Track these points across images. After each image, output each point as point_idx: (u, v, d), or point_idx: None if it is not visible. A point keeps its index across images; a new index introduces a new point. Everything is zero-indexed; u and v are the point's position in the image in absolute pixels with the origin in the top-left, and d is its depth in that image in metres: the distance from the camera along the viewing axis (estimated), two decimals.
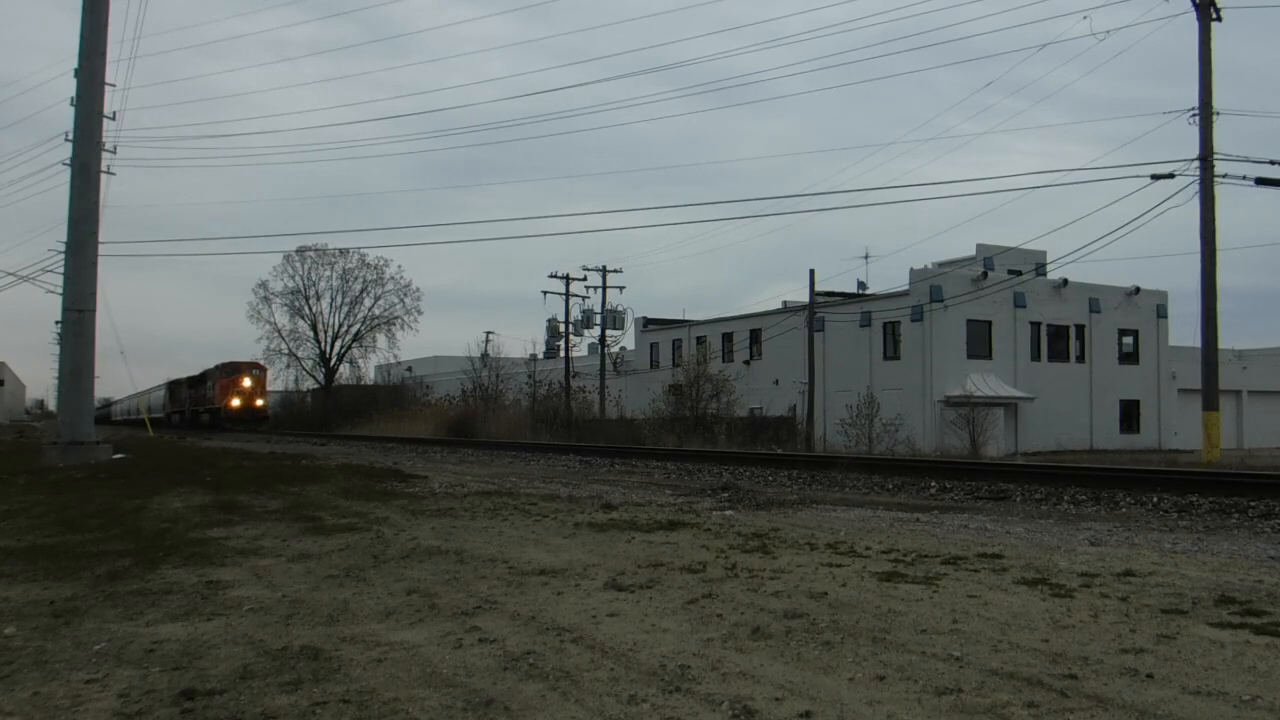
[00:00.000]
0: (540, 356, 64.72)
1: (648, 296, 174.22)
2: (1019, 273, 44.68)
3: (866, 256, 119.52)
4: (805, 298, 45.79)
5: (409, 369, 77.02)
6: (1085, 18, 77.32)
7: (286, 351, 73.02)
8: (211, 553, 7.43)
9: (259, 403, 59.46)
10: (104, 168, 23.54)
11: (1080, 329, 48.37)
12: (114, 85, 27.78)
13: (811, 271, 45.93)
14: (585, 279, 57.44)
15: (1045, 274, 46.16)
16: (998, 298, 44.54)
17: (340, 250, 70.47)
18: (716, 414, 41.93)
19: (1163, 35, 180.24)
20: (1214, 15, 24.71)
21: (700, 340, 55.82)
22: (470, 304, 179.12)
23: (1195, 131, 24.42)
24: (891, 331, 46.39)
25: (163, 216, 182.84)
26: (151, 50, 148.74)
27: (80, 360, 21.14)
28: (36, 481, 15.05)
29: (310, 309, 72.68)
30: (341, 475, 15.53)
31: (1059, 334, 47.94)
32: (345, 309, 72.74)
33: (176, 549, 7.59)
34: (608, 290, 57.58)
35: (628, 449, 26.64)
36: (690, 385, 44.05)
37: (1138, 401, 49.84)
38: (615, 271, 57.80)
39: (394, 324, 72.44)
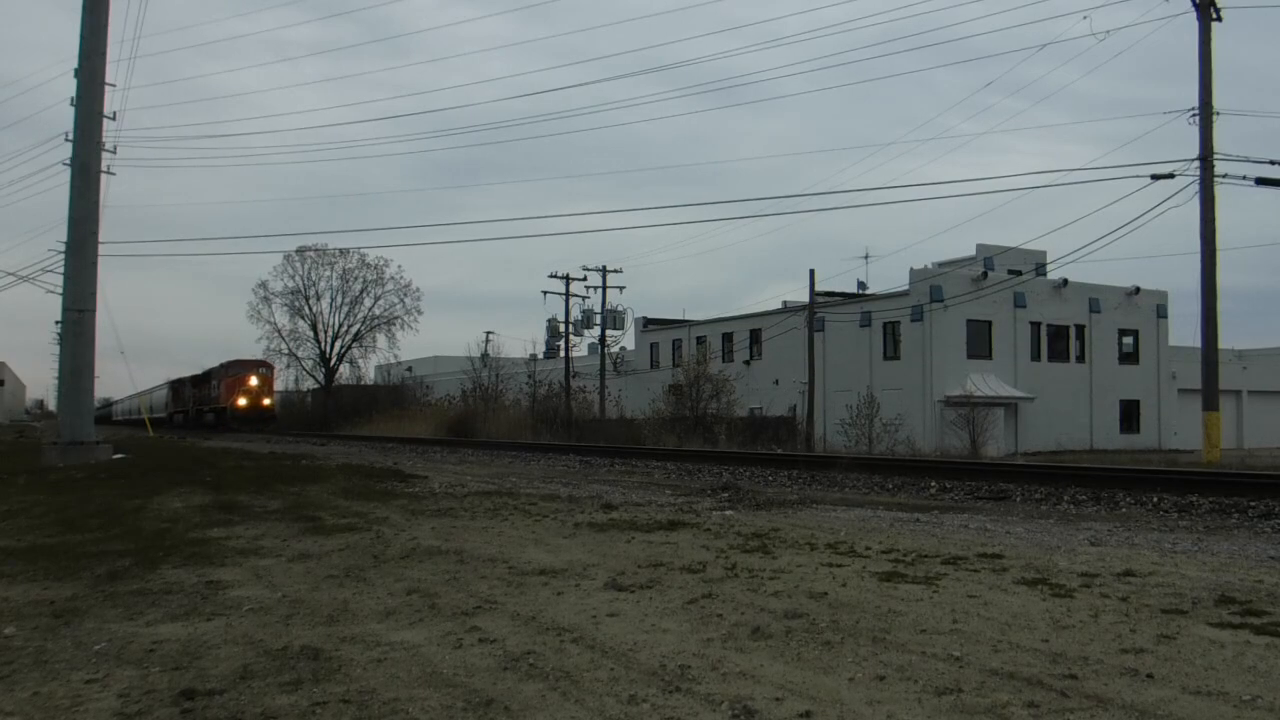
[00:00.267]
0: (540, 356, 64.72)
1: (648, 296, 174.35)
2: (1019, 273, 44.69)
3: (866, 256, 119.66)
4: (805, 298, 45.80)
5: (409, 369, 77.04)
6: (1085, 18, 77.41)
7: (286, 351, 73.08)
8: (211, 553, 7.43)
9: (266, 402, 58.01)
10: (104, 168, 23.54)
11: (1080, 329, 48.38)
12: (114, 85, 27.80)
13: (811, 271, 46.02)
14: (585, 279, 57.48)
15: (1045, 274, 46.16)
16: (998, 298, 44.55)
17: (340, 250, 70.56)
18: (716, 414, 41.93)
19: (1163, 35, 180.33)
20: (1214, 15, 24.72)
21: (700, 340, 55.84)
22: (470, 304, 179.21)
23: (1195, 131, 24.43)
24: (891, 331, 46.39)
25: (163, 216, 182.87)
26: (151, 50, 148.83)
27: (80, 360, 21.14)
28: (36, 481, 15.05)
29: (310, 309, 72.78)
30: (341, 475, 15.53)
31: (1059, 334, 47.95)
32: (345, 309, 72.84)
33: (176, 549, 7.59)
34: (608, 290, 57.62)
35: (628, 449, 26.64)
36: (690, 385, 44.05)
37: (1138, 401, 49.85)
38: (615, 271, 57.85)
39: (394, 324, 72.55)
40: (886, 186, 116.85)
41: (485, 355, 61.25)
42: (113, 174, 29.18)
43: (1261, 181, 24.66)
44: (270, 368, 62.84)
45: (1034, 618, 4.91)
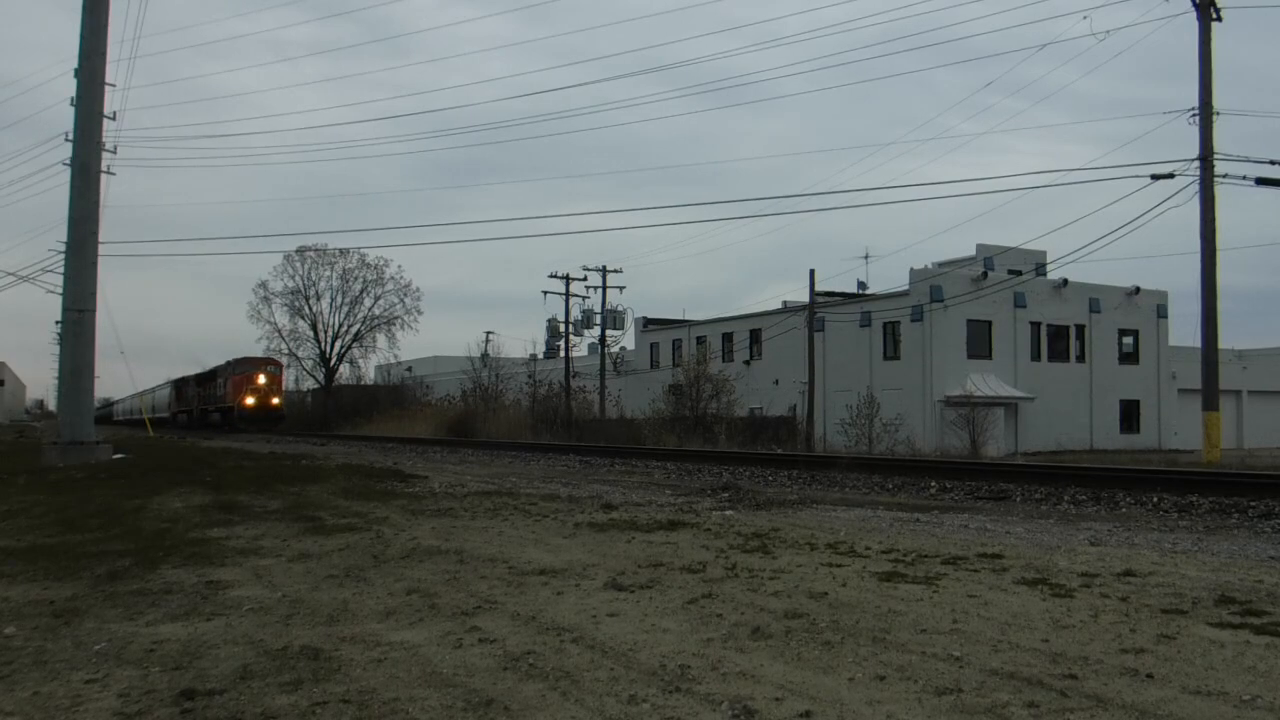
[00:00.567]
0: (540, 356, 64.73)
1: (648, 296, 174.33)
2: (1019, 273, 44.69)
3: (866, 256, 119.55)
4: (805, 298, 45.79)
5: (409, 369, 77.05)
6: (1085, 18, 77.45)
7: (287, 351, 72.97)
8: (211, 553, 7.43)
9: (275, 401, 56.09)
10: (104, 168, 23.54)
11: (1080, 329, 48.38)
12: (114, 85, 27.82)
13: (811, 271, 45.95)
14: (585, 279, 57.49)
15: (1045, 274, 46.17)
16: (998, 298, 44.55)
17: (340, 250, 70.55)
18: (716, 414, 41.94)
19: (1163, 35, 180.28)
20: (1214, 15, 24.71)
21: (700, 340, 55.84)
22: (470, 304, 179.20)
23: (1195, 131, 24.43)
24: (891, 331, 46.40)
25: (163, 216, 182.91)
26: (151, 50, 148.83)
27: (80, 360, 21.14)
28: (36, 481, 15.04)
29: (310, 309, 72.76)
30: (341, 475, 15.53)
31: (1059, 334, 47.95)
32: (345, 309, 72.83)
33: (176, 549, 7.58)
34: (608, 290, 57.63)
35: (628, 449, 26.64)
36: (690, 385, 44.07)
37: (1138, 401, 49.85)
38: (615, 271, 57.85)
39: (394, 324, 72.54)
40: (886, 186, 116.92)
41: (485, 355, 61.27)
42: (113, 174, 29.22)
43: (1261, 181, 24.66)
44: (279, 366, 61.36)
45: (1034, 618, 4.91)
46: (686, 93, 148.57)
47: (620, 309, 58.50)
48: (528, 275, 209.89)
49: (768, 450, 28.37)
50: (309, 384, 76.13)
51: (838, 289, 52.20)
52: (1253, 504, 10.67)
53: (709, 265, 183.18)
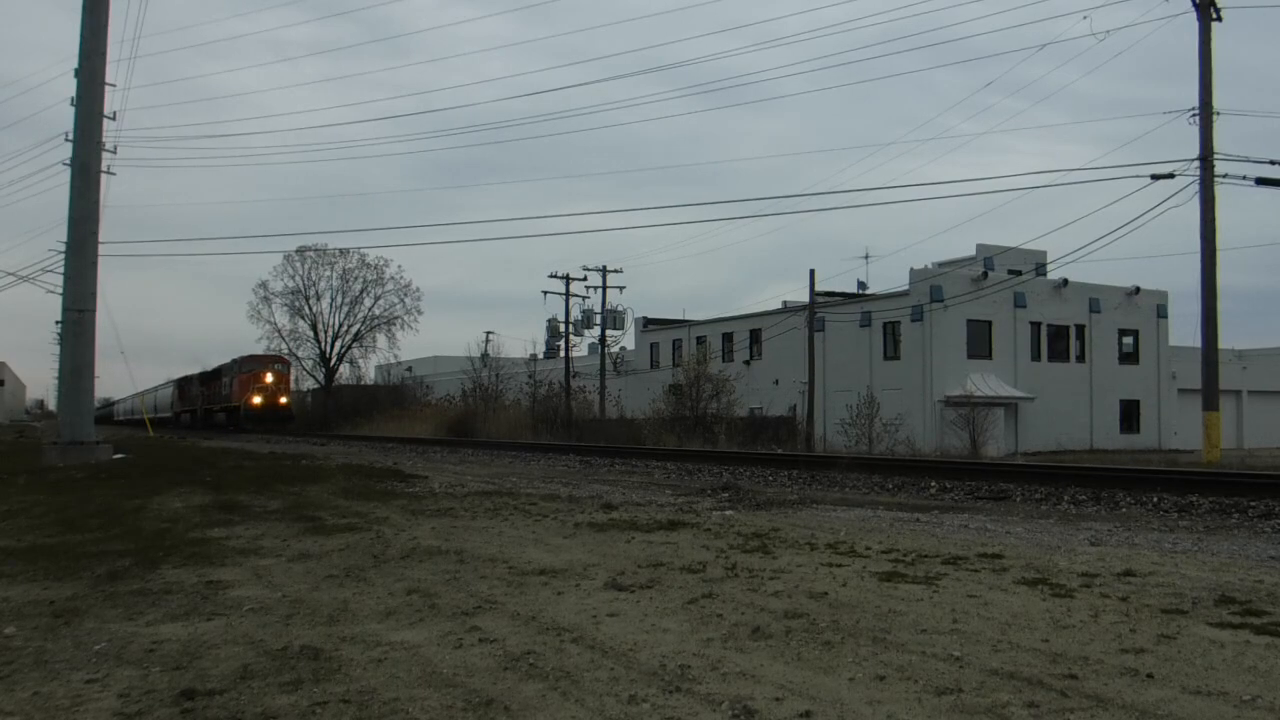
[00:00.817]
0: (540, 356, 64.71)
1: (648, 296, 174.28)
2: (1019, 273, 44.69)
3: (866, 256, 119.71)
4: (805, 298, 45.79)
5: (409, 369, 77.03)
6: (1085, 18, 77.47)
7: (287, 351, 72.96)
8: (212, 553, 7.43)
9: (283, 400, 54.31)
10: (104, 168, 23.54)
11: (1080, 329, 48.38)
12: (114, 85, 27.82)
13: (811, 271, 45.95)
14: (585, 279, 57.48)
15: (1045, 274, 46.16)
16: (998, 298, 44.55)
17: (340, 250, 70.51)
18: (716, 414, 41.93)
19: (1163, 35, 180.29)
20: (1214, 15, 24.72)
21: (700, 340, 55.82)
22: (470, 304, 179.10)
23: (1195, 131, 24.43)
24: (891, 331, 46.40)
25: (163, 216, 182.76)
26: (151, 50, 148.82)
27: (80, 360, 21.14)
28: (36, 481, 15.05)
29: (310, 309, 72.72)
30: (341, 475, 15.53)
31: (1059, 334, 47.95)
32: (345, 309, 72.80)
33: (176, 549, 7.59)
34: (608, 290, 57.62)
35: (628, 449, 26.64)
36: (690, 385, 44.05)
37: (1138, 401, 49.85)
38: (615, 271, 57.84)
39: (394, 324, 72.51)
40: (886, 186, 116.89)
41: (485, 355, 61.24)
42: (113, 174, 29.21)
43: (1261, 181, 24.66)
44: (286, 364, 60.07)
45: (1034, 618, 4.91)
46: (686, 93, 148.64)
47: (620, 309, 58.53)
48: (528, 275, 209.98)
49: (768, 450, 28.37)
50: (309, 384, 76.15)
51: (838, 289, 52.22)
52: (1253, 504, 10.67)
53: (709, 265, 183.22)
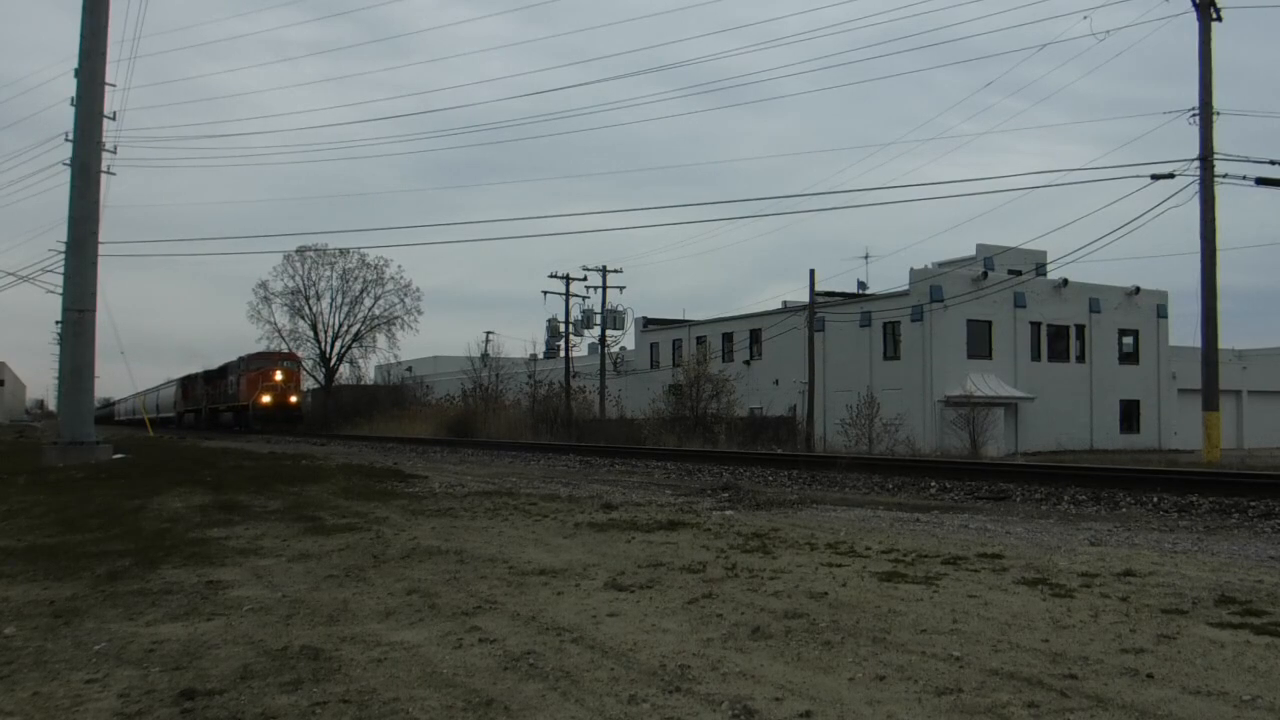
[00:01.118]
0: (540, 356, 64.69)
1: (648, 296, 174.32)
2: (1019, 273, 44.68)
3: (866, 256, 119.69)
4: (805, 298, 45.78)
5: (409, 369, 77.01)
6: (1085, 18, 77.51)
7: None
8: (211, 553, 7.43)
9: (293, 399, 52.40)
10: (104, 168, 23.55)
11: (1080, 329, 48.37)
12: (114, 85, 27.83)
13: (811, 271, 45.92)
14: (585, 279, 57.48)
15: (1045, 274, 46.16)
16: (998, 298, 44.55)
17: (340, 250, 70.46)
18: (716, 414, 41.93)
19: (1163, 35, 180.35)
20: (1214, 15, 24.72)
21: (700, 340, 55.83)
22: (470, 304, 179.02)
23: (1195, 131, 24.44)
24: (891, 331, 46.39)
25: (163, 216, 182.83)
26: (151, 50, 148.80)
27: (80, 360, 21.14)
28: (36, 481, 15.04)
29: (310, 309, 72.69)
30: (341, 475, 15.53)
31: (1059, 334, 47.94)
32: (345, 309, 72.76)
33: (176, 549, 7.59)
34: (608, 290, 57.63)
35: (628, 449, 26.64)
36: (690, 385, 44.05)
37: (1138, 401, 49.85)
38: (615, 271, 57.84)
39: (394, 324, 72.48)
40: (886, 186, 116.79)
41: (485, 355, 61.19)
42: (113, 174, 29.22)
43: (1261, 181, 24.67)
44: (297, 361, 58.63)
45: (1034, 618, 4.91)
46: (686, 93, 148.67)
47: (620, 309, 58.54)
48: (528, 275, 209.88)
49: (768, 450, 28.37)
50: (309, 384, 76.08)
51: (838, 289, 52.21)
52: (1253, 504, 10.67)
53: (709, 265, 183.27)
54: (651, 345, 62.33)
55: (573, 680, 3.91)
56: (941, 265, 47.76)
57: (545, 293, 57.08)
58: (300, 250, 70.05)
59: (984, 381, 43.92)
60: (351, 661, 4.23)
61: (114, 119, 25.79)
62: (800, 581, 5.95)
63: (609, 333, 58.47)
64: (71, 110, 21.94)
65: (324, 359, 73.34)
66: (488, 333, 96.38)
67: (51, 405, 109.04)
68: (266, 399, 50.85)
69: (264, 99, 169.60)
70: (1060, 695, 3.63)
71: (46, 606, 5.50)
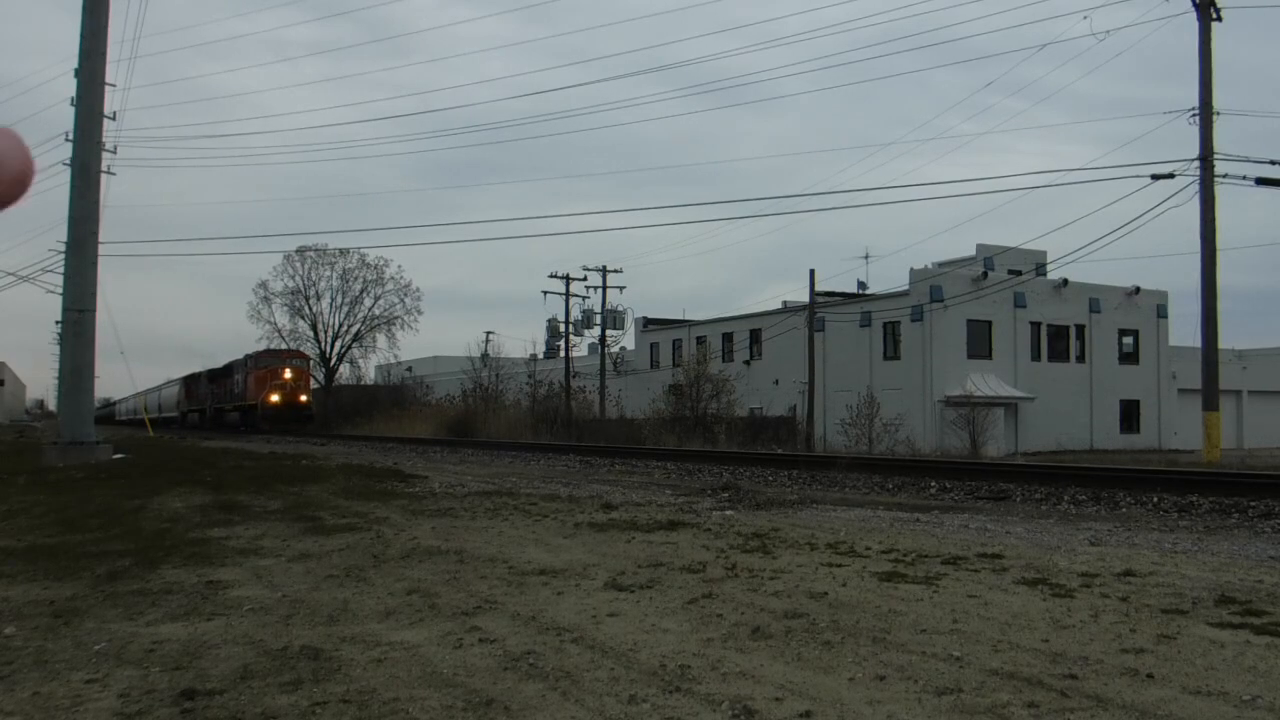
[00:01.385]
0: (540, 356, 64.70)
1: (648, 296, 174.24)
2: (1019, 273, 44.69)
3: (866, 256, 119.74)
4: (805, 298, 45.79)
5: (409, 369, 77.01)
6: (1085, 18, 77.68)
7: None
8: (212, 553, 7.43)
9: (303, 398, 50.50)
10: (104, 168, 23.57)
11: (1080, 329, 48.38)
12: (114, 85, 27.87)
13: (811, 271, 45.94)
14: (585, 279, 57.53)
15: (1045, 274, 46.17)
16: (998, 298, 44.55)
17: (340, 250, 70.50)
18: (716, 414, 41.94)
19: (1163, 35, 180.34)
20: (1214, 15, 24.72)
21: (700, 340, 55.84)
22: (470, 304, 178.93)
23: (1195, 131, 24.45)
24: (891, 331, 46.40)
25: (162, 217, 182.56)
26: (151, 50, 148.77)
27: (80, 360, 21.15)
28: (36, 481, 15.04)
29: (310, 309, 72.72)
30: (341, 475, 15.53)
31: (1059, 334, 47.95)
32: (345, 309, 72.79)
33: (176, 549, 7.59)
34: (608, 290, 57.67)
35: (628, 449, 26.63)
36: (690, 385, 44.06)
37: (1138, 401, 49.86)
38: (615, 271, 57.88)
39: (394, 324, 72.53)
40: (886, 186, 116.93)
41: (485, 355, 61.18)
42: (113, 174, 29.26)
43: (1261, 181, 24.68)
44: (306, 359, 57.25)
45: (1034, 618, 4.91)
46: (686, 93, 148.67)
47: (620, 309, 58.59)
48: (528, 275, 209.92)
49: (768, 450, 28.37)
50: None
51: (838, 289, 52.23)
52: (1253, 504, 10.67)
53: (709, 265, 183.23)
54: (651, 345, 62.34)
55: (573, 680, 3.91)
56: (941, 265, 47.77)
57: (545, 293, 57.19)
58: (300, 250, 70.14)
59: (984, 381, 43.93)
60: (351, 661, 4.23)
61: (114, 119, 25.86)
62: (800, 581, 5.95)
63: (609, 333, 58.55)
64: (71, 110, 21.96)
65: (324, 359, 73.31)
66: (488, 333, 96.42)
67: (51, 405, 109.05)
68: (275, 398, 49.24)
69: (264, 99, 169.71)
70: (1060, 695, 3.63)
71: (46, 606, 5.50)
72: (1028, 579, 5.97)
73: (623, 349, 63.41)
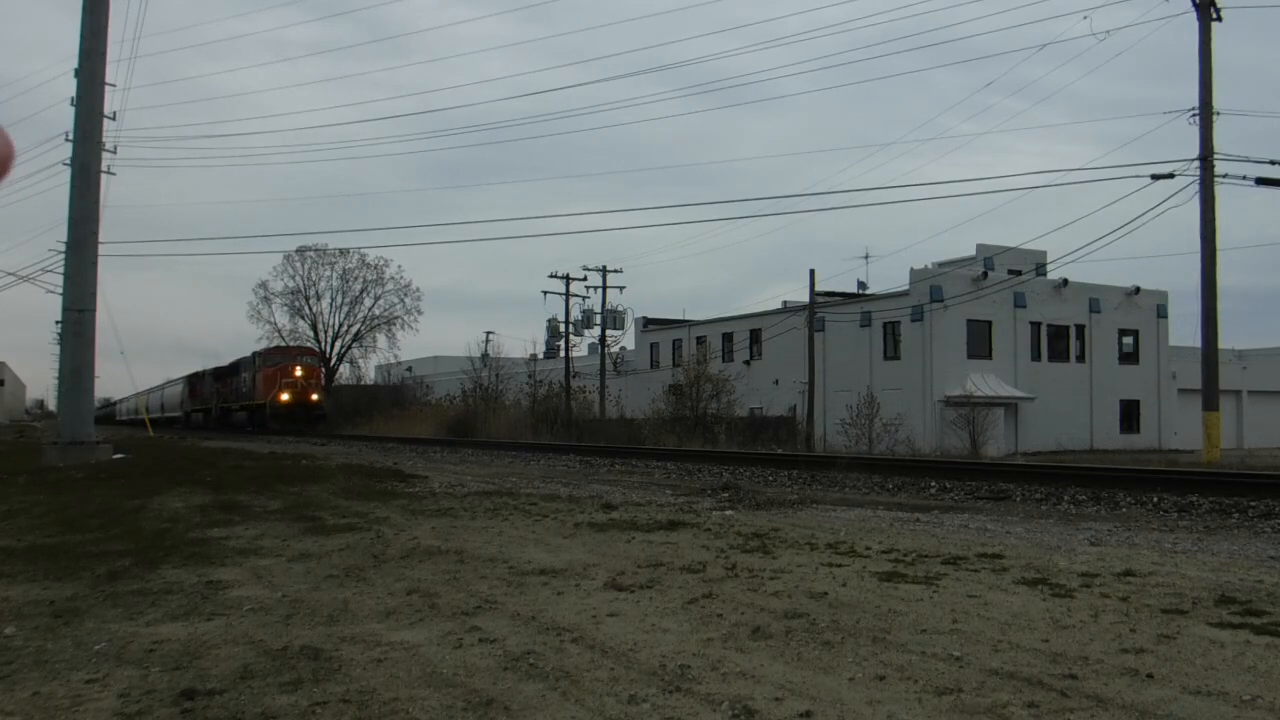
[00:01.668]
0: (540, 356, 64.71)
1: (648, 296, 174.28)
2: (1019, 273, 44.70)
3: (866, 256, 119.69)
4: (805, 298, 45.80)
5: (409, 369, 77.05)
6: (1085, 18, 77.63)
7: None
8: (212, 553, 7.43)
9: (314, 397, 49.01)
10: (104, 168, 23.55)
11: (1080, 329, 48.39)
12: (114, 85, 27.87)
13: (811, 271, 45.97)
14: (585, 279, 57.53)
15: (1045, 274, 46.18)
16: (998, 298, 44.56)
17: (340, 250, 70.61)
18: (716, 414, 41.94)
19: (1163, 35, 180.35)
20: (1214, 15, 24.72)
21: (700, 340, 55.86)
22: (470, 304, 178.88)
23: (1195, 131, 24.46)
24: (891, 331, 46.41)
25: (163, 216, 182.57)
26: (151, 50, 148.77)
27: (80, 360, 21.14)
28: (36, 481, 15.04)
29: (310, 309, 72.83)
30: (341, 475, 15.53)
31: (1059, 334, 47.96)
32: (345, 309, 72.92)
33: (176, 549, 7.59)
34: (608, 290, 57.67)
35: (628, 449, 26.64)
36: (690, 385, 44.06)
37: (1138, 401, 49.86)
38: (615, 271, 57.88)
39: (394, 324, 72.65)
40: (886, 186, 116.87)
41: (485, 355, 61.18)
42: (113, 174, 29.24)
43: (1261, 181, 24.68)
44: (317, 356, 55.83)
45: (1034, 618, 4.91)
46: (686, 93, 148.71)
47: (620, 309, 58.58)
48: (528, 275, 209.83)
49: (768, 450, 28.37)
50: None
51: (838, 289, 52.23)
52: (1253, 504, 10.67)
53: (709, 265, 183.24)
54: (651, 345, 62.35)
55: (573, 680, 3.91)
56: (941, 265, 47.78)
57: (545, 293, 57.19)
58: (300, 250, 70.22)
59: (984, 381, 43.93)
60: (351, 661, 4.23)
61: (114, 119, 25.86)
62: (800, 581, 5.95)
63: (609, 333, 58.54)
64: (71, 110, 21.95)
65: (324, 359, 73.35)
66: (488, 333, 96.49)
67: (51, 405, 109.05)
68: (286, 397, 47.78)
69: (264, 99, 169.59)
70: (1060, 695, 3.63)
71: (46, 606, 5.50)
72: (1028, 579, 5.97)
73: (623, 349, 63.42)
